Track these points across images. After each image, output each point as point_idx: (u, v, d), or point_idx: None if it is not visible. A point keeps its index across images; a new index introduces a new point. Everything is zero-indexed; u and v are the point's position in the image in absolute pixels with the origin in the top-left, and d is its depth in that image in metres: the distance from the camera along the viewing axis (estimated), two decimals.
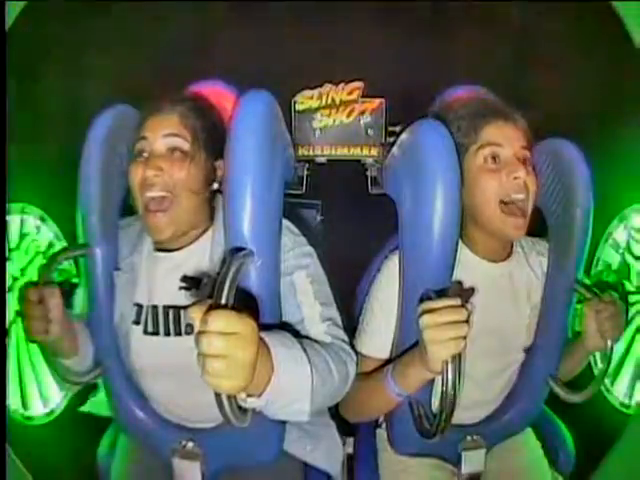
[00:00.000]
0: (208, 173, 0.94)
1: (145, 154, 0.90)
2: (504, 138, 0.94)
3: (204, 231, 0.96)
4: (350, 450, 1.23)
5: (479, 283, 0.97)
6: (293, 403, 0.72)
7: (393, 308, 0.96)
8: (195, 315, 0.57)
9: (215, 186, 0.96)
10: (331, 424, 1.14)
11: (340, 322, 0.92)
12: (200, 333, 0.55)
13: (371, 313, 1.01)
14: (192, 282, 0.93)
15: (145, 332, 0.96)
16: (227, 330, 0.55)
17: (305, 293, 0.89)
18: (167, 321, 0.95)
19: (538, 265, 1.06)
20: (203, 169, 0.92)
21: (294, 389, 0.70)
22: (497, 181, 0.93)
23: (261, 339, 0.64)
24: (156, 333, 0.95)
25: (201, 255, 0.94)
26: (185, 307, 0.93)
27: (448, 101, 1.10)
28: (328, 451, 1.08)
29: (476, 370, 0.95)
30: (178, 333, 0.94)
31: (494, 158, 0.94)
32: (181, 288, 0.93)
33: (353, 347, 0.93)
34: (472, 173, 0.95)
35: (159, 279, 0.96)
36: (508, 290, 1.03)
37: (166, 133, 0.90)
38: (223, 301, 0.59)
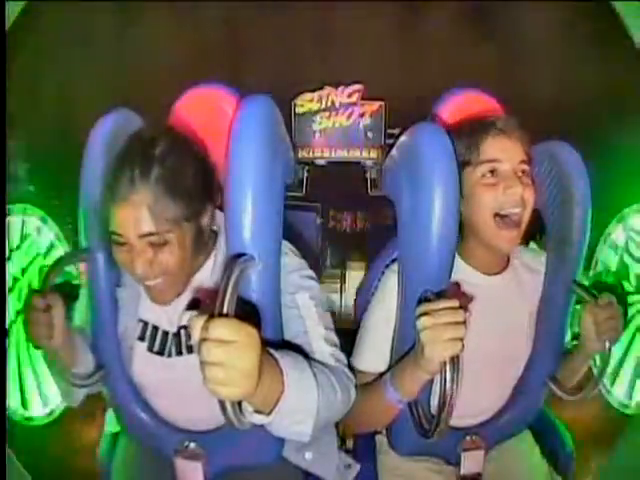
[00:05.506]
0: (198, 229, 0.88)
1: (126, 247, 0.83)
2: (503, 153, 0.94)
3: (205, 258, 0.95)
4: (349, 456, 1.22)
5: (474, 295, 0.97)
6: (297, 424, 0.73)
7: (391, 323, 0.96)
8: (195, 324, 0.57)
9: (205, 225, 0.90)
10: (332, 431, 1.13)
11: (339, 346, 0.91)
12: (201, 341, 0.56)
13: (371, 330, 1.01)
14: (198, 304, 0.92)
15: (150, 350, 0.96)
16: (227, 338, 0.55)
17: (308, 312, 0.89)
18: (172, 341, 0.95)
19: (531, 280, 1.06)
20: (192, 234, 0.87)
21: (300, 412, 0.72)
22: (493, 195, 0.93)
23: (275, 359, 0.66)
24: (161, 353, 0.95)
25: (206, 276, 0.93)
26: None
27: (448, 109, 1.09)
28: (327, 459, 1.07)
29: (476, 379, 0.94)
30: (180, 352, 0.94)
31: (492, 172, 0.94)
32: (188, 308, 0.92)
33: (352, 370, 0.93)
34: (470, 186, 0.95)
35: (164, 308, 0.94)
36: (504, 302, 1.02)
37: (142, 234, 0.81)
38: (225, 310, 0.59)
